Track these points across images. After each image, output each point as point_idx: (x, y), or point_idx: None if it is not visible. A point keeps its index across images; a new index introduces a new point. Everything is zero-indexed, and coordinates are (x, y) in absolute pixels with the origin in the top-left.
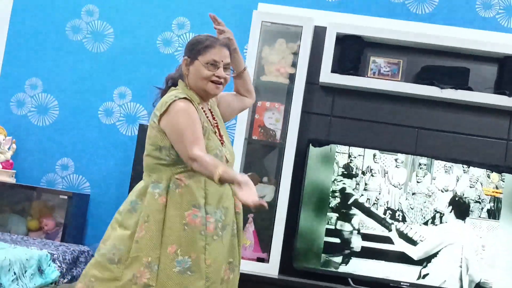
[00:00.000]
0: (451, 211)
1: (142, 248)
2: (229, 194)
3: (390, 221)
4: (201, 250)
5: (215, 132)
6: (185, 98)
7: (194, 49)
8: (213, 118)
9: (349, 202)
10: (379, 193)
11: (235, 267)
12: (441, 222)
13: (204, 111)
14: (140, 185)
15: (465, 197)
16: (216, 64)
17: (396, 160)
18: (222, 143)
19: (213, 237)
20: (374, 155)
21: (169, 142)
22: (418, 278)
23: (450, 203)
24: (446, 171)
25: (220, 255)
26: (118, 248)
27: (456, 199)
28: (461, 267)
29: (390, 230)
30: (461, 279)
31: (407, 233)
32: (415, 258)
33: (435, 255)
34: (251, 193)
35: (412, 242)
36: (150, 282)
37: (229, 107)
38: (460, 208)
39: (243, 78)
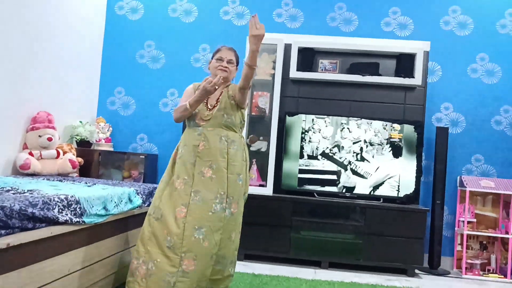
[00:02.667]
0: (383, 149)
1: None
2: (196, 139)
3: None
4: (169, 169)
5: (205, 103)
6: (193, 84)
7: (213, 53)
8: (218, 96)
9: (313, 150)
10: (329, 141)
11: (188, 182)
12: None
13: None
14: None
15: (380, 141)
16: (222, 59)
17: (342, 123)
18: (208, 109)
19: (176, 161)
20: (325, 120)
21: None
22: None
23: (365, 143)
24: (368, 124)
25: (179, 169)
26: None
27: (369, 143)
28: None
29: (345, 169)
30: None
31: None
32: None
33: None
34: (208, 82)
35: (344, 166)
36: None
37: (236, 95)
38: (394, 148)
39: (247, 70)
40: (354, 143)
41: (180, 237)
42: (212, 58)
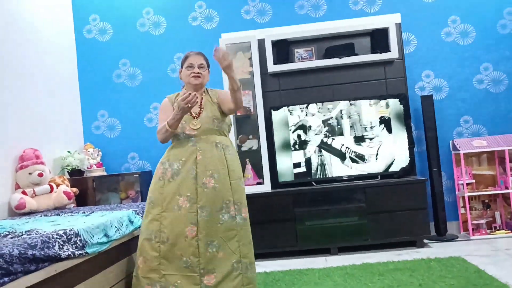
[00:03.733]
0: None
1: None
2: (191, 151)
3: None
4: (159, 190)
5: (189, 113)
6: (167, 97)
7: (181, 62)
8: (200, 103)
9: (304, 141)
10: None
11: (192, 199)
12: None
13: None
14: None
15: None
16: (192, 65)
17: (328, 109)
18: (194, 117)
19: (169, 180)
20: (309, 108)
21: None
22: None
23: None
24: (351, 105)
25: (171, 191)
26: None
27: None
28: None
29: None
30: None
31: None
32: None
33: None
34: (184, 98)
35: (342, 155)
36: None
37: (222, 103)
38: (386, 124)
39: (233, 93)
40: (332, 122)
41: (196, 255)
42: (181, 67)
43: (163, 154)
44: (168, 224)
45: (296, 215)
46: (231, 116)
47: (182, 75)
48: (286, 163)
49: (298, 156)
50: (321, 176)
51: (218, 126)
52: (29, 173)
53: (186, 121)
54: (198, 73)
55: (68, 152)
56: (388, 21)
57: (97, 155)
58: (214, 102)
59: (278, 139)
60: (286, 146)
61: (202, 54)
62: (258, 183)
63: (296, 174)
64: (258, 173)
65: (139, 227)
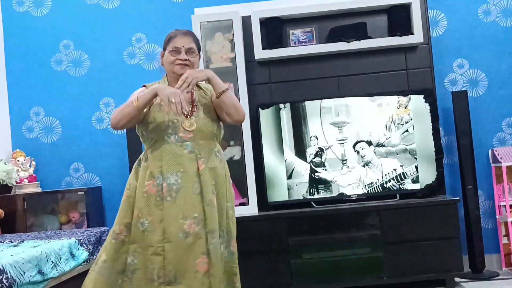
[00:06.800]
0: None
1: (121, 210)
2: (189, 158)
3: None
4: (159, 213)
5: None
6: (144, 86)
7: (164, 43)
8: (190, 98)
9: (303, 148)
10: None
11: (201, 221)
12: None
13: None
14: None
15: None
16: (178, 50)
17: (331, 107)
18: (187, 116)
19: (166, 198)
20: (308, 106)
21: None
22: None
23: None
24: (369, 101)
25: (172, 212)
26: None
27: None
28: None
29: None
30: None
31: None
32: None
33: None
34: (170, 92)
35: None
36: (125, 239)
37: (216, 108)
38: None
39: (221, 100)
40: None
41: None
42: (164, 50)
43: (143, 164)
44: (172, 257)
45: (291, 246)
46: None
47: (164, 60)
48: (278, 178)
49: (293, 168)
50: (323, 195)
51: (216, 130)
52: None
53: (178, 119)
54: (186, 60)
55: None
56: None
57: (30, 166)
58: (208, 99)
59: (267, 147)
60: (278, 155)
61: (192, 34)
62: (241, 204)
63: (290, 192)
64: (242, 190)
65: (83, 263)
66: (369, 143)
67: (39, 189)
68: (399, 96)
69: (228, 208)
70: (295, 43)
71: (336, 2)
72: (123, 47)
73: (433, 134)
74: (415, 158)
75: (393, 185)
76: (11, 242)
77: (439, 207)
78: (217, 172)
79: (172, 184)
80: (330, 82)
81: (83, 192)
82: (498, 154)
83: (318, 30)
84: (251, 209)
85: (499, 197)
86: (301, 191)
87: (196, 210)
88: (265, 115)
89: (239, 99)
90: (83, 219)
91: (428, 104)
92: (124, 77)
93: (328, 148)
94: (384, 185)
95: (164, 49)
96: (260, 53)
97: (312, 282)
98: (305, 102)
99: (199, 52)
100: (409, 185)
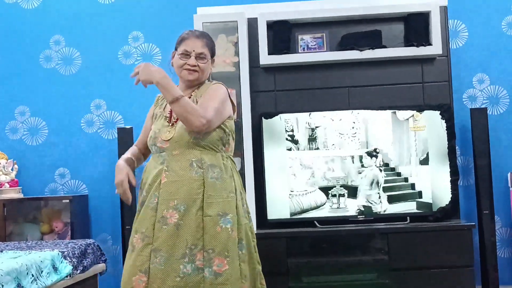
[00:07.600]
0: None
1: None
2: (158, 170)
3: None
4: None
5: (168, 117)
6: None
7: (176, 43)
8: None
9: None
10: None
11: (146, 237)
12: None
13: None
14: None
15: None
16: (188, 53)
17: (340, 120)
18: (170, 124)
19: (139, 211)
20: (315, 118)
21: None
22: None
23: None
24: (378, 114)
25: (135, 225)
26: None
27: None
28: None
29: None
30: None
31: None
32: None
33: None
34: (116, 182)
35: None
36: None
37: None
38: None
39: (172, 109)
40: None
41: None
42: (175, 49)
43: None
44: (125, 269)
45: (290, 268)
46: (232, 122)
47: (174, 62)
48: (280, 193)
49: (296, 183)
50: (328, 214)
51: (196, 137)
52: None
53: (160, 128)
54: (195, 66)
55: None
56: (431, 2)
57: (12, 169)
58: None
59: (269, 158)
60: (281, 168)
61: (206, 37)
62: None
63: (292, 209)
64: None
65: (66, 277)
66: (377, 157)
67: (21, 195)
68: (414, 111)
69: (207, 223)
70: (303, 49)
71: (349, 8)
72: (118, 46)
73: (448, 153)
74: (428, 178)
75: (403, 207)
76: None
77: (453, 233)
78: (185, 185)
79: (144, 196)
80: (340, 92)
81: (68, 200)
82: None
83: (329, 36)
84: None
85: None
86: (303, 209)
87: (144, 225)
88: (269, 125)
89: (240, 107)
90: (67, 229)
91: (444, 120)
92: (118, 78)
93: (333, 163)
94: (393, 207)
95: (176, 49)
96: (266, 59)
97: None
98: (312, 113)
99: (212, 57)
100: (420, 207)
